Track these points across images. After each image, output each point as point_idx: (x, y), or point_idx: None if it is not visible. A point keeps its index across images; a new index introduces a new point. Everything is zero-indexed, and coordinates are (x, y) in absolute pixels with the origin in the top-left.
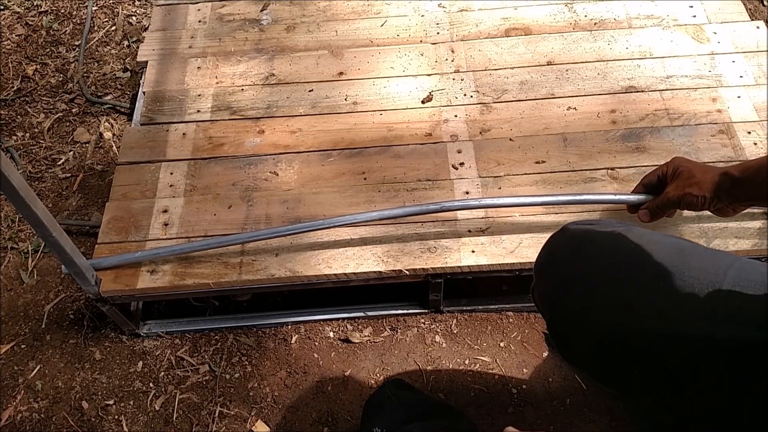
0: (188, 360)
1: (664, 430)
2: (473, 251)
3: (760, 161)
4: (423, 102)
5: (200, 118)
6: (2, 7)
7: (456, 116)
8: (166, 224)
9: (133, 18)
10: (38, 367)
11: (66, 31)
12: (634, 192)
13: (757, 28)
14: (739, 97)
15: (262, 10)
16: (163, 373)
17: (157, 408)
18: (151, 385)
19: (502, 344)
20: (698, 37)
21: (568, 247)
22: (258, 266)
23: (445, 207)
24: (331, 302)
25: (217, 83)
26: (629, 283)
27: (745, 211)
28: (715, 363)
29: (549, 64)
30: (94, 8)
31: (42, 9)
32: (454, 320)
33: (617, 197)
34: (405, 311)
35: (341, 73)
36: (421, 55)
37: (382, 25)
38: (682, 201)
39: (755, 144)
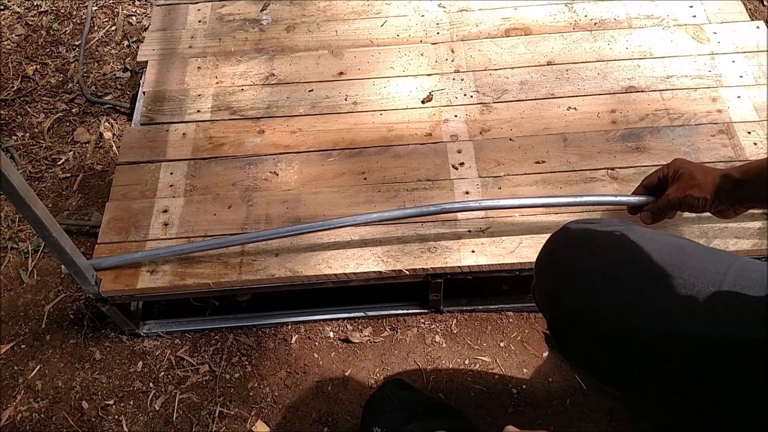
0: (188, 360)
1: (664, 430)
2: (473, 251)
3: (761, 163)
4: (423, 102)
5: (200, 118)
6: (2, 7)
7: (456, 116)
8: (166, 224)
9: (133, 18)
10: (38, 367)
11: (66, 31)
12: (635, 193)
13: (757, 28)
14: (739, 97)
15: (262, 10)
16: (163, 373)
17: (157, 408)
18: (151, 385)
19: (502, 344)
20: (698, 37)
21: (568, 246)
22: (258, 266)
23: (445, 209)
24: (331, 302)
25: (217, 83)
26: (630, 282)
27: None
28: (716, 362)
29: (549, 64)
30: (94, 8)
31: (42, 9)
32: (454, 320)
33: (618, 199)
34: (405, 311)
35: (341, 73)
36: (421, 55)
37: (382, 25)
38: (683, 203)
39: (755, 144)
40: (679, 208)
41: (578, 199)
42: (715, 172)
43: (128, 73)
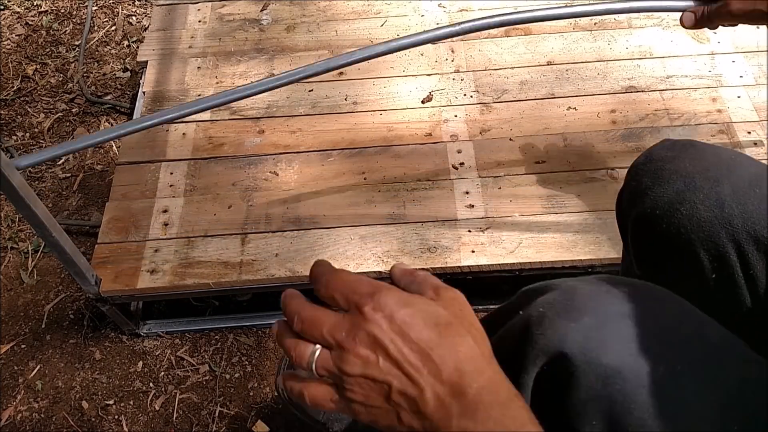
0: (188, 360)
1: None
2: (473, 251)
3: None
4: (423, 102)
5: (200, 118)
6: (2, 7)
7: (456, 116)
8: (166, 224)
9: (133, 18)
10: (38, 367)
11: (66, 31)
12: None
13: (757, 28)
14: (739, 97)
15: (262, 10)
16: (163, 373)
17: (157, 408)
18: (151, 385)
19: None
20: (698, 37)
21: (669, 148)
22: (258, 266)
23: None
24: None
25: (217, 83)
26: (727, 183)
27: None
28: None
29: (549, 64)
30: (94, 8)
31: (42, 9)
32: None
33: (653, 4)
34: None
35: (341, 73)
36: (421, 55)
37: (382, 25)
38: (747, 16)
39: (755, 144)
40: (741, 21)
41: (615, 6)
42: None
43: (128, 73)
